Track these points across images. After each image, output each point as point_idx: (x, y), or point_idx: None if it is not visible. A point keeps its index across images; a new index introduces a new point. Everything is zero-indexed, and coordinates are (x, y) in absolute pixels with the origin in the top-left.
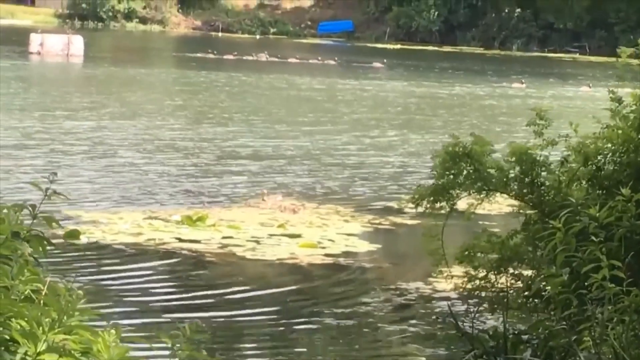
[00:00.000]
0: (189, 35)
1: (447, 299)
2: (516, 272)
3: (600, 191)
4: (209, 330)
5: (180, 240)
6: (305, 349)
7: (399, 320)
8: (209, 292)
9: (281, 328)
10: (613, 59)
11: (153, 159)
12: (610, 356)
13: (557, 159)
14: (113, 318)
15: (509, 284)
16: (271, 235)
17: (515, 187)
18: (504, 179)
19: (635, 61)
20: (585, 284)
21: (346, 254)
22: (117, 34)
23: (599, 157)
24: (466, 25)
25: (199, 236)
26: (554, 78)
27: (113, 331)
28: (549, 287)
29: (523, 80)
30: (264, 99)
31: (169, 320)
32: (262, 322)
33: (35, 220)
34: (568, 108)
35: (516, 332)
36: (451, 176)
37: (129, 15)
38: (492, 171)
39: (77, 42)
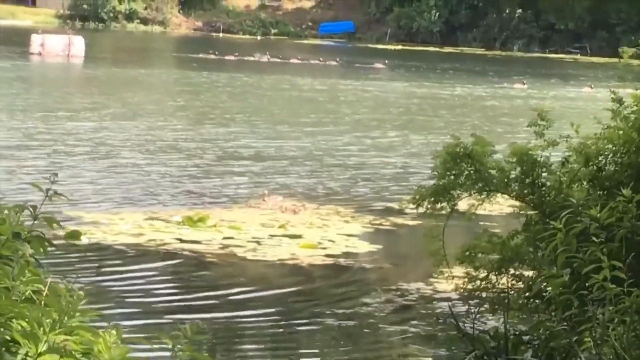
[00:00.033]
0: (190, 36)
1: (448, 299)
2: (517, 272)
3: (601, 192)
4: (210, 331)
5: (181, 241)
6: (306, 350)
7: (400, 321)
8: (210, 293)
9: (282, 329)
10: (614, 60)
11: (154, 160)
12: (611, 357)
13: (558, 159)
14: (114, 319)
15: (509, 285)
16: (272, 235)
17: (516, 187)
18: (505, 180)
19: (636, 62)
20: (586, 284)
21: (347, 255)
22: (118, 35)
23: (600, 158)
24: (467, 26)
25: (200, 237)
26: (556, 79)
27: (114, 332)
28: (550, 288)
29: (524, 81)
30: (265, 99)
31: (170, 320)
32: (262, 323)
33: (36, 221)
34: (569, 109)
35: (517, 332)
36: (452, 177)
37: (130, 16)
38: (493, 172)
39: (78, 43)
